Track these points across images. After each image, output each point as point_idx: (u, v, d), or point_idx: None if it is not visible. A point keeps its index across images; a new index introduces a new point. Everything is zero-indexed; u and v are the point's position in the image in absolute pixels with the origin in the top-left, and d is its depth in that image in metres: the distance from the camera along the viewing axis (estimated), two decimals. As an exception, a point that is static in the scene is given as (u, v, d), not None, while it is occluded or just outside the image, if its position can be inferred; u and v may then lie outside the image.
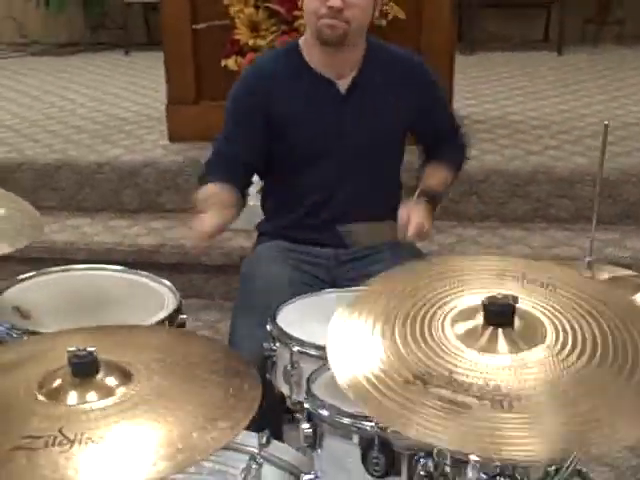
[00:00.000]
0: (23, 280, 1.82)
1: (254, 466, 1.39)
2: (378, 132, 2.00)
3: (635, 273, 1.54)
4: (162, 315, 1.70)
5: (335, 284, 1.99)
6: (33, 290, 1.79)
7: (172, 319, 1.73)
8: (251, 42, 2.91)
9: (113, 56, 5.44)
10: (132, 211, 3.16)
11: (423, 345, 1.01)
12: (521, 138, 3.37)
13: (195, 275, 2.88)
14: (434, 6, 3.11)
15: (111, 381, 1.20)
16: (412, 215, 1.87)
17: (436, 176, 2.01)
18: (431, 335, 1.03)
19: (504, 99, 4.07)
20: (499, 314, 1.03)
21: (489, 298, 1.04)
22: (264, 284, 1.93)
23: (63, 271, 1.87)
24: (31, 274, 1.83)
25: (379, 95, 2.00)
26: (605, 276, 1.55)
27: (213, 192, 1.83)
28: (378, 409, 0.95)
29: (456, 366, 0.97)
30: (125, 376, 1.24)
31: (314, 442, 1.36)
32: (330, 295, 1.83)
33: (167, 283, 1.84)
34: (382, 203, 2.02)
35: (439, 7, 3.12)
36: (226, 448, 1.44)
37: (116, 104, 4.03)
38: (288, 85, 2.00)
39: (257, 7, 2.90)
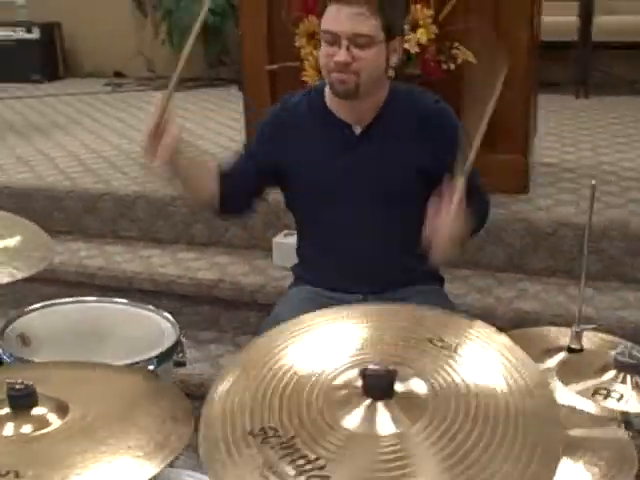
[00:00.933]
0: (35, 310, 1.91)
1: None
2: (389, 178, 1.97)
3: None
4: (154, 353, 1.74)
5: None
6: (41, 319, 1.88)
7: (166, 355, 1.77)
8: (315, 84, 2.93)
9: (227, 91, 5.61)
10: (201, 244, 3.25)
11: (285, 401, 0.98)
12: (605, 190, 3.20)
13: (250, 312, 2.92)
14: (510, 51, 3.02)
15: (46, 413, 1.27)
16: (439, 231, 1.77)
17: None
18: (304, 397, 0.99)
19: (604, 147, 3.89)
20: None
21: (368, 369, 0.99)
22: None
23: (74, 302, 1.94)
24: (44, 304, 1.92)
25: (393, 141, 1.97)
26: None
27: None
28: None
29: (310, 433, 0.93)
30: (61, 410, 1.30)
31: None
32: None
33: (170, 319, 1.88)
34: (413, 257, 1.96)
35: (516, 52, 3.02)
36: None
37: (210, 139, 4.15)
38: (306, 128, 2.01)
39: (327, 50, 2.92)
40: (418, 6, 2.84)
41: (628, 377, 1.28)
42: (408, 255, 1.99)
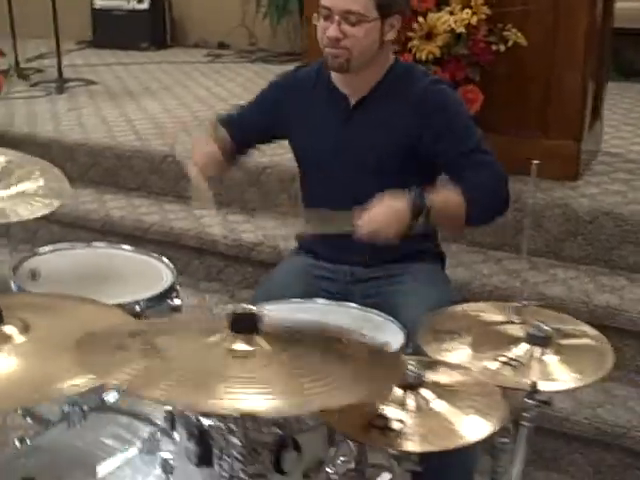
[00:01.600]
0: (51, 251, 2.08)
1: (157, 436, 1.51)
2: (377, 151, 2.03)
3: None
4: (144, 296, 1.88)
5: (348, 300, 2.03)
6: (54, 259, 2.05)
7: (157, 299, 1.90)
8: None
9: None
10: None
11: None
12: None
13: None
14: (566, 35, 2.97)
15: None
16: (372, 213, 1.86)
17: (443, 195, 1.95)
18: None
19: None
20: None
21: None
22: (279, 292, 2.03)
23: (85, 247, 2.11)
24: (59, 246, 2.10)
25: (384, 116, 2.03)
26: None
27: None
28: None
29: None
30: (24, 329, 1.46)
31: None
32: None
33: (170, 266, 2.02)
34: None
35: (573, 36, 2.97)
36: (134, 417, 1.60)
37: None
38: (310, 96, 2.10)
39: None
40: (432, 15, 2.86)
41: (536, 349, 1.32)
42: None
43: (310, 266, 2.18)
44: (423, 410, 1.20)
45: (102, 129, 3.97)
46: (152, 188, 3.59)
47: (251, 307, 1.10)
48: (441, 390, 1.23)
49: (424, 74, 2.10)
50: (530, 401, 1.31)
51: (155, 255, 2.06)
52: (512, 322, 1.45)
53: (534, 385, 1.30)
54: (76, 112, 4.31)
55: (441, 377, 1.26)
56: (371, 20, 1.90)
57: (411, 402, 1.21)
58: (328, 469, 1.37)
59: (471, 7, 2.83)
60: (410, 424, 1.17)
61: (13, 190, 1.98)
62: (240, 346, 1.10)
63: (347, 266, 2.14)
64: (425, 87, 2.03)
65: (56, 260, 2.03)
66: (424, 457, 1.25)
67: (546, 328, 1.33)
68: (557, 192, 2.99)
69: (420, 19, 2.84)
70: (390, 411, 1.18)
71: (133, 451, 1.45)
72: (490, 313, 1.47)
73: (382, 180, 2.01)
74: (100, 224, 3.41)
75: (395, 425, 1.15)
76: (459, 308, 1.52)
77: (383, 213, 1.85)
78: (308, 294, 2.01)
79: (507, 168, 3.08)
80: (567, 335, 1.39)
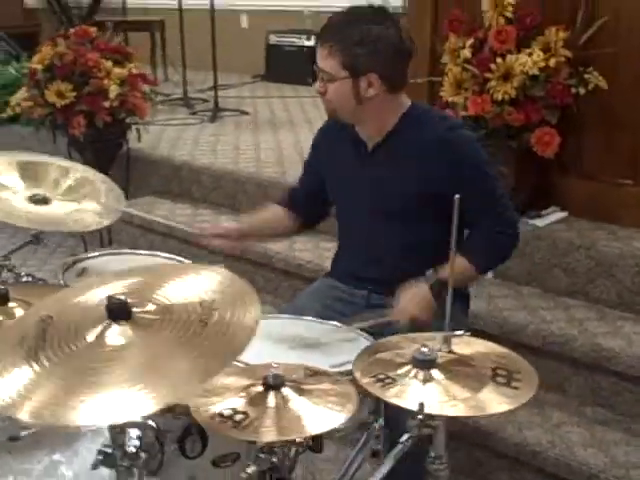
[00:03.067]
0: (105, 254, 2.36)
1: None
2: (389, 195, 2.13)
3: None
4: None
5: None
6: (104, 261, 2.30)
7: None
8: (450, 99, 3.05)
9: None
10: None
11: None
12: None
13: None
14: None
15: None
16: (401, 307, 2.02)
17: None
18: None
19: None
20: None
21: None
22: (299, 310, 2.18)
23: (131, 254, 2.37)
24: (114, 251, 2.39)
25: (396, 161, 2.13)
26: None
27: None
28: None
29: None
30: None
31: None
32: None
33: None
34: (414, 267, 2.10)
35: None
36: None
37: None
38: (338, 142, 2.26)
39: (464, 68, 3.03)
40: (553, 29, 2.85)
41: (417, 372, 1.38)
42: (408, 264, 2.12)
43: (331, 288, 2.31)
44: (281, 406, 1.32)
45: (230, 155, 4.29)
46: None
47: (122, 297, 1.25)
48: (301, 390, 1.35)
49: (441, 119, 2.16)
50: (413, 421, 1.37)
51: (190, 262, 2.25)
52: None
53: (421, 406, 1.36)
54: (215, 139, 4.67)
55: (308, 381, 1.38)
56: (339, 79, 2.04)
57: (271, 400, 1.35)
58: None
59: (550, 49, 2.83)
60: (269, 418, 1.29)
61: (76, 204, 2.27)
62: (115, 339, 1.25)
63: (365, 291, 2.24)
64: (442, 134, 2.10)
65: (105, 262, 2.28)
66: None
67: (427, 352, 1.38)
68: (636, 242, 2.88)
69: (499, 60, 2.88)
70: (238, 404, 1.32)
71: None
72: (415, 343, 1.53)
73: (395, 225, 2.12)
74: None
75: (238, 417, 1.28)
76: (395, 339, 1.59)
77: (411, 304, 2.02)
78: (324, 315, 2.13)
79: (588, 214, 3.06)
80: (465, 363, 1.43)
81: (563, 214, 3.11)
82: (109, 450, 1.31)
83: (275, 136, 4.78)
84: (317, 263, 3.30)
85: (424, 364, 1.40)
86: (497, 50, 2.90)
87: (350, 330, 1.95)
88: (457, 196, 1.51)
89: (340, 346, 1.82)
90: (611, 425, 2.55)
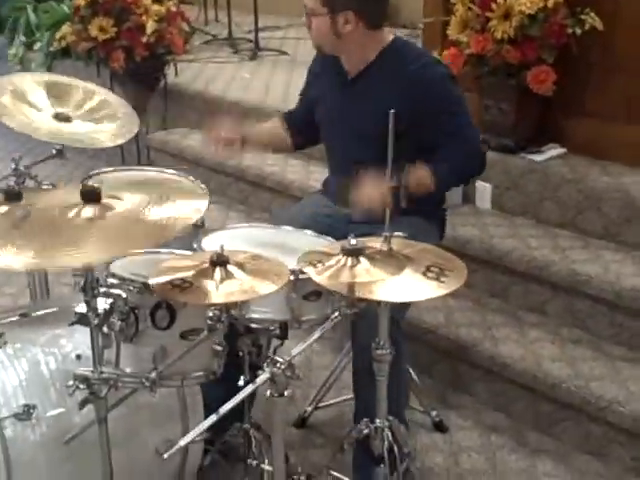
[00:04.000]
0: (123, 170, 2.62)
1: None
2: (364, 120, 2.35)
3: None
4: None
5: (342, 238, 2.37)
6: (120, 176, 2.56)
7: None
8: (455, 38, 3.21)
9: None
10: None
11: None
12: None
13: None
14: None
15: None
16: (365, 192, 2.20)
17: (416, 174, 2.26)
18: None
19: None
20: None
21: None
22: (288, 221, 2.42)
23: (140, 170, 2.63)
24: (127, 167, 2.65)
25: (373, 90, 2.35)
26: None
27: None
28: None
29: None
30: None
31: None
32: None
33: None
34: None
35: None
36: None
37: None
38: (325, 71, 2.50)
39: (469, 9, 3.17)
40: (547, -31, 2.97)
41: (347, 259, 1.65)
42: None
43: (320, 204, 2.55)
44: (224, 279, 1.61)
45: (261, 91, 4.51)
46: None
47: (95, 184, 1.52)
48: (243, 268, 1.64)
49: (418, 56, 2.37)
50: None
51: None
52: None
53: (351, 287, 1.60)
54: (250, 76, 4.89)
55: (249, 262, 1.65)
56: (319, 14, 2.27)
57: (217, 274, 1.62)
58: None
59: (544, -11, 2.96)
60: (212, 286, 1.58)
61: (94, 124, 2.53)
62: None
63: (347, 209, 2.47)
64: (415, 70, 2.31)
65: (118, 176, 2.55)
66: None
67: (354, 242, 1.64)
68: (626, 178, 3.02)
69: (499, 0, 3.02)
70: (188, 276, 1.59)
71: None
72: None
73: (371, 147, 2.32)
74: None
75: (185, 285, 1.55)
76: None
77: (370, 195, 2.18)
78: (313, 228, 2.36)
79: (585, 151, 3.20)
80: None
81: (562, 150, 3.26)
82: (83, 311, 1.58)
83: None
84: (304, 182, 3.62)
85: (352, 252, 1.64)
86: (499, -10, 3.04)
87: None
88: (392, 111, 1.72)
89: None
90: (582, 344, 2.74)
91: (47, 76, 2.66)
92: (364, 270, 1.62)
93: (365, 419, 1.98)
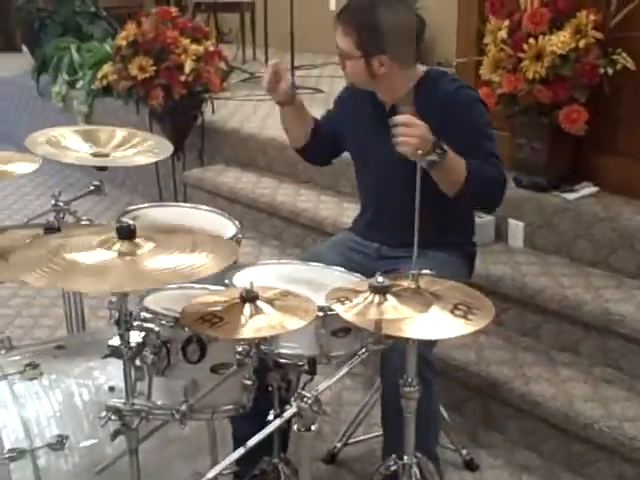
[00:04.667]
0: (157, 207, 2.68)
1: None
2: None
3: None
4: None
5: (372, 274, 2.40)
6: (157, 212, 2.61)
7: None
8: (487, 77, 3.25)
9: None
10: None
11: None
12: None
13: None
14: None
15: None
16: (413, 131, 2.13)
17: (455, 158, 2.22)
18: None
19: None
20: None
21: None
22: (318, 257, 2.46)
23: (175, 206, 2.68)
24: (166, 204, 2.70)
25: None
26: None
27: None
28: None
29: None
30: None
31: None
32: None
33: (236, 224, 2.45)
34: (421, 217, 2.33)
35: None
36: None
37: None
38: (359, 103, 2.53)
39: (502, 49, 3.21)
40: (584, 12, 3.00)
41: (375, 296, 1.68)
42: (421, 220, 2.34)
43: (349, 240, 2.58)
44: (254, 314, 1.65)
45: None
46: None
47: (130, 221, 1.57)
48: (273, 304, 1.68)
49: (451, 81, 2.40)
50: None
51: (227, 215, 2.53)
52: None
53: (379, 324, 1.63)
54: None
55: (278, 298, 1.69)
56: (353, 57, 2.32)
57: (247, 309, 1.66)
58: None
59: (581, 32, 2.98)
60: (243, 322, 1.61)
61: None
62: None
63: (377, 244, 2.50)
64: (448, 91, 2.35)
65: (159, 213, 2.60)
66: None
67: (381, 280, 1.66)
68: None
69: (531, 41, 3.05)
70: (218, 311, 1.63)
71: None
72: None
73: (405, 181, 2.34)
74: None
75: (215, 320, 1.58)
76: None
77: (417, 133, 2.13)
78: (343, 265, 2.39)
79: (619, 190, 3.19)
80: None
81: (595, 189, 3.26)
82: (116, 344, 1.63)
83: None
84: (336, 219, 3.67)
85: (379, 290, 1.66)
86: (531, 32, 3.07)
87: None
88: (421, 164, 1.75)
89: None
90: (615, 384, 2.72)
91: (81, 126, 2.73)
92: (391, 307, 1.64)
93: (393, 455, 1.99)
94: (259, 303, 1.64)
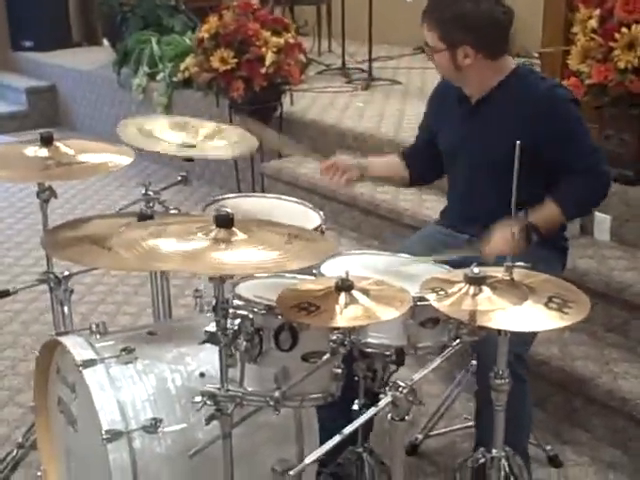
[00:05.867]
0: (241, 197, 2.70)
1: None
2: (490, 147, 2.35)
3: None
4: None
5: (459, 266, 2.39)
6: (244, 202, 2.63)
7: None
8: (575, 67, 3.18)
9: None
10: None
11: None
12: None
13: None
14: None
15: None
16: (492, 243, 2.21)
17: (543, 212, 2.27)
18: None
19: None
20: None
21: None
22: (405, 249, 2.46)
23: (260, 197, 2.70)
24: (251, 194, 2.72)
25: (500, 109, 2.35)
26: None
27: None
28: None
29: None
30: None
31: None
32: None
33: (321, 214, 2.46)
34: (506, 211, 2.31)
35: None
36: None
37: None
38: (448, 100, 2.52)
39: (591, 38, 3.14)
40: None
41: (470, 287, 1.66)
42: (503, 212, 2.32)
43: (438, 233, 2.57)
44: (350, 303, 1.65)
45: (374, 120, 4.57)
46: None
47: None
48: (368, 293, 1.68)
49: (541, 79, 2.38)
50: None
51: (309, 205, 2.54)
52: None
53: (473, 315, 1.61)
54: (363, 105, 4.96)
55: (373, 287, 1.69)
56: (439, 51, 2.33)
57: (342, 298, 1.67)
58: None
59: (633, 45, 2.90)
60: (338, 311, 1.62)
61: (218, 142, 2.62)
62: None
63: (466, 235, 2.48)
64: (540, 91, 2.33)
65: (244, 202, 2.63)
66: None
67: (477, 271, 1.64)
68: None
69: (624, 29, 2.97)
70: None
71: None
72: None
73: (494, 176, 2.32)
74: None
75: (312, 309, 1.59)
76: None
77: (501, 242, 2.18)
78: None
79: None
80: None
81: (686, 182, 3.17)
82: (213, 330, 1.65)
83: (421, 104, 4.99)
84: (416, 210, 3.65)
85: (475, 281, 1.65)
86: (623, 20, 2.99)
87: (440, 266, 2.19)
88: (518, 142, 1.72)
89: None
90: None
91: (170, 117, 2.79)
92: (486, 299, 1.63)
93: (481, 448, 1.98)
94: (354, 292, 1.65)
